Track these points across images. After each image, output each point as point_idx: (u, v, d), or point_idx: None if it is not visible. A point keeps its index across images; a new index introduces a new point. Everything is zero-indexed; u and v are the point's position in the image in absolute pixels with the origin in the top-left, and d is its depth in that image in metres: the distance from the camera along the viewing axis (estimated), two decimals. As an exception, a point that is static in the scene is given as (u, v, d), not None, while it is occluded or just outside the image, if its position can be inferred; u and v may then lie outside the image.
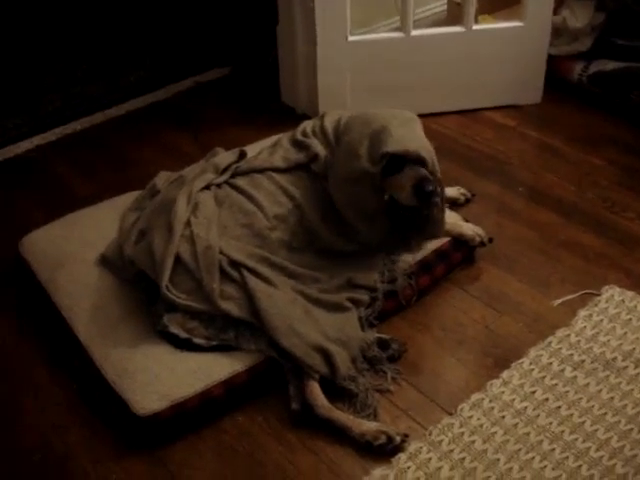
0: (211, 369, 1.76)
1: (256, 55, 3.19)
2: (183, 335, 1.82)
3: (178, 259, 1.86)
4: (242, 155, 2.16)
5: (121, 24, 3.00)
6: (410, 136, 1.88)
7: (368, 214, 1.92)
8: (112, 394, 1.74)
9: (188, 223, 1.92)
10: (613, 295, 2.04)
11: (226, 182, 2.05)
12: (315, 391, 1.74)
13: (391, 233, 1.96)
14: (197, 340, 1.82)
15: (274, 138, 2.28)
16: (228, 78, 3.30)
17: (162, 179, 2.26)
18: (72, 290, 1.99)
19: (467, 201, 2.40)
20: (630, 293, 2.04)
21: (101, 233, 2.15)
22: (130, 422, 1.69)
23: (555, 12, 2.84)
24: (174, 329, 1.82)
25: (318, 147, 2.04)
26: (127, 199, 2.29)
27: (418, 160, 1.84)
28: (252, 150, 2.25)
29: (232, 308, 1.81)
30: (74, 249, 2.12)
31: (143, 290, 1.95)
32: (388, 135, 1.85)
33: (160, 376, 1.74)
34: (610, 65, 2.83)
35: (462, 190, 2.40)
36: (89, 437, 1.74)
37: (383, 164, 1.84)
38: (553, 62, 2.92)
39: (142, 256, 1.93)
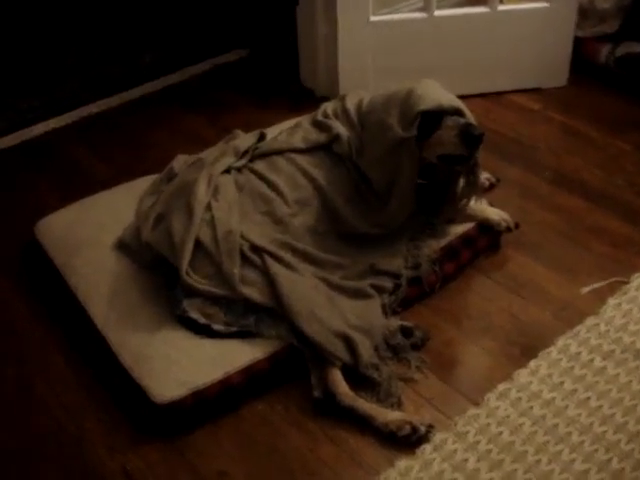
0: (231, 356, 1.72)
1: (275, 37, 3.13)
2: (202, 320, 1.78)
3: (198, 243, 1.82)
4: (262, 137, 2.11)
5: (137, 5, 2.95)
6: (439, 92, 1.88)
7: (404, 187, 1.88)
8: (129, 380, 1.70)
9: (209, 206, 1.87)
10: (643, 283, 1.99)
11: (246, 166, 2.01)
12: (337, 379, 1.69)
13: (418, 209, 1.96)
14: (216, 326, 1.78)
15: (294, 121, 2.24)
16: (246, 60, 3.23)
17: (180, 162, 2.21)
18: (89, 275, 1.95)
19: (492, 186, 2.34)
20: (661, 281, 1.99)
21: (118, 217, 2.11)
22: (148, 409, 1.66)
23: (582, -8, 2.76)
24: (193, 314, 1.78)
25: (340, 128, 2.00)
26: (144, 183, 2.25)
27: (455, 112, 1.84)
28: (272, 133, 2.20)
29: (253, 293, 1.77)
30: (90, 233, 2.08)
31: (161, 274, 1.91)
32: (417, 97, 1.85)
33: (179, 363, 1.71)
34: (638, 47, 2.75)
35: (487, 175, 2.34)
36: (105, 423, 1.71)
37: (417, 126, 1.82)
38: (579, 44, 2.84)
39: (161, 240, 1.88)
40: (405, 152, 1.86)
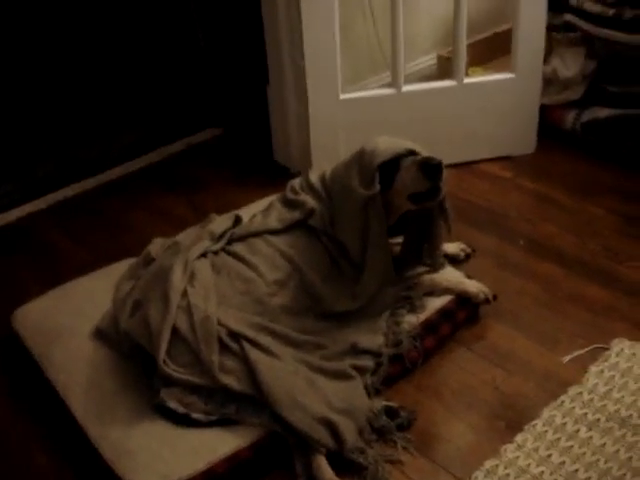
0: (214, 446, 1.69)
1: (248, 115, 3.18)
2: (181, 410, 1.75)
3: (175, 331, 1.81)
4: (237, 220, 2.12)
5: (111, 88, 2.99)
6: (390, 141, 1.95)
7: (376, 246, 1.92)
8: (111, 475, 1.66)
9: (185, 293, 1.86)
10: (623, 349, 1.99)
11: (223, 249, 2.01)
12: (322, 466, 1.66)
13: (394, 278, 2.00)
14: (195, 415, 1.74)
15: (267, 201, 2.26)
16: (220, 139, 3.28)
17: (156, 246, 2.21)
18: (67, 365, 1.93)
19: (467, 257, 2.36)
20: (640, 346, 2.00)
21: (96, 303, 2.09)
22: (131, 506, 1.62)
23: (545, 61, 2.84)
24: (172, 404, 1.75)
25: (311, 202, 2.03)
26: (122, 267, 2.24)
27: (410, 153, 1.90)
28: (247, 213, 2.22)
29: (232, 382, 1.75)
30: (68, 322, 2.06)
31: (139, 363, 1.89)
32: (369, 154, 1.93)
33: (161, 455, 1.67)
34: (604, 112, 2.82)
35: (462, 246, 2.36)
36: (87, 523, 1.67)
37: (378, 180, 1.88)
38: (545, 111, 2.91)
39: (138, 328, 1.87)
40: (371, 210, 1.91)
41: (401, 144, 1.94)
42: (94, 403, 1.82)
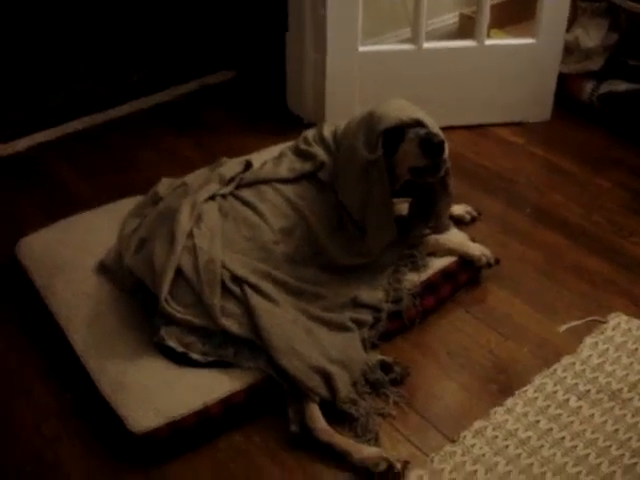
0: (210, 386, 1.72)
1: (263, 60, 3.14)
2: (180, 349, 1.77)
3: (179, 271, 1.82)
4: (248, 166, 2.12)
5: (126, 22, 2.95)
6: (400, 108, 1.90)
7: (378, 211, 1.91)
8: (107, 409, 1.69)
9: (191, 234, 1.87)
10: (620, 323, 2.01)
11: (231, 193, 2.01)
12: (315, 414, 1.69)
13: (401, 238, 1.99)
14: (194, 355, 1.77)
15: (279, 149, 2.25)
16: (233, 82, 3.25)
17: (164, 186, 2.21)
18: (69, 298, 1.95)
19: (473, 220, 2.36)
20: (637, 322, 2.01)
21: (100, 239, 2.11)
22: (125, 439, 1.65)
23: (568, 29, 2.80)
24: (171, 342, 1.78)
25: (323, 155, 2.02)
26: (127, 204, 2.25)
27: (416, 124, 1.86)
28: (257, 159, 2.21)
29: (232, 325, 1.77)
30: (72, 255, 2.07)
31: (141, 301, 1.91)
32: (377, 117, 1.88)
33: (157, 392, 1.70)
34: (622, 86, 2.79)
35: (468, 208, 2.36)
36: (82, 451, 1.70)
37: (382, 146, 1.85)
38: (563, 80, 2.88)
39: (142, 266, 1.88)
40: (373, 174, 1.88)
41: (410, 112, 1.88)
42: (95, 337, 1.84)
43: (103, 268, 2.02)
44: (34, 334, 1.99)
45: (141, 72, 3.08)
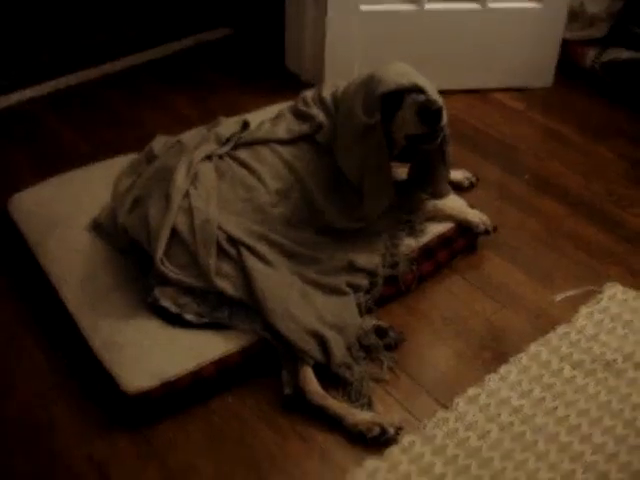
0: (204, 348, 1.71)
1: (261, 17, 3.08)
2: (174, 310, 1.76)
3: (174, 231, 1.80)
4: (245, 125, 2.08)
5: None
6: (400, 72, 1.84)
7: (375, 176, 1.87)
8: (99, 368, 1.68)
9: (187, 194, 1.85)
10: (616, 293, 2.00)
11: (228, 153, 1.98)
12: (309, 377, 1.69)
13: (399, 202, 1.96)
14: (188, 316, 1.76)
15: (276, 108, 2.22)
16: (230, 39, 3.19)
17: (159, 143, 2.17)
18: (62, 256, 1.92)
19: (471, 185, 2.34)
20: (633, 292, 2.00)
21: (94, 196, 2.08)
22: (117, 398, 1.64)
23: (573, -5, 2.76)
24: (165, 303, 1.76)
25: (321, 116, 1.98)
26: (122, 161, 2.21)
27: (415, 89, 1.80)
28: (255, 118, 2.17)
29: (227, 286, 1.75)
30: (65, 212, 2.04)
31: (135, 260, 1.89)
32: (376, 81, 1.83)
33: (151, 352, 1.69)
34: (625, 54, 2.76)
35: (467, 174, 2.34)
36: (74, 410, 1.69)
37: (380, 110, 1.80)
38: (566, 46, 2.84)
39: (136, 225, 1.86)
40: (371, 139, 1.84)
41: (410, 77, 1.82)
42: (88, 295, 1.82)
43: (97, 226, 1.99)
44: (25, 291, 1.97)
45: (137, 28, 3.01)
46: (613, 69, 2.78)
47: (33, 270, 1.95)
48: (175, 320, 1.76)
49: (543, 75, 2.84)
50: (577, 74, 2.89)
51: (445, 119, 1.81)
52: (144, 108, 2.74)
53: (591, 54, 2.84)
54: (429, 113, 1.76)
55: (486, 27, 2.70)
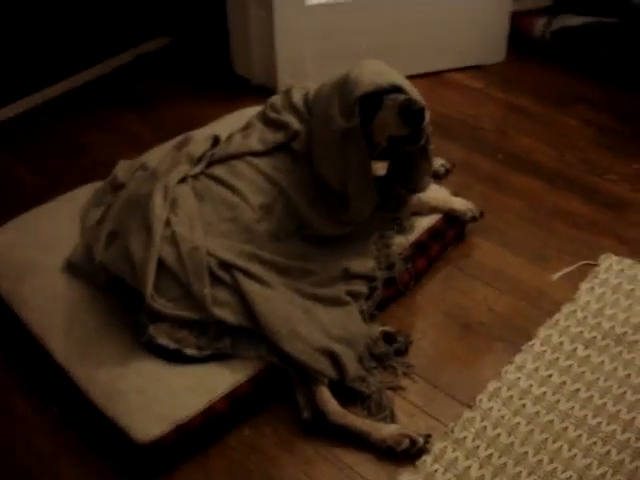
0: (211, 383, 1.61)
1: (201, 22, 2.96)
2: (173, 346, 1.65)
3: (161, 263, 1.68)
4: (216, 141, 1.98)
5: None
6: (376, 71, 1.75)
7: (358, 180, 1.78)
8: (103, 420, 1.57)
9: (168, 222, 1.73)
10: (611, 264, 1.98)
11: (203, 173, 1.87)
12: (325, 397, 1.61)
13: (382, 200, 1.87)
14: (188, 351, 1.65)
15: (238, 117, 2.12)
16: (170, 48, 3.06)
17: (123, 169, 2.06)
18: (40, 302, 1.79)
19: (447, 172, 2.29)
20: (628, 261, 1.99)
21: (62, 234, 1.95)
22: (128, 450, 1.53)
23: (516, -36, 2.73)
24: (162, 340, 1.65)
25: (296, 124, 1.88)
26: (84, 192, 2.09)
27: (394, 89, 1.72)
28: (223, 130, 2.05)
29: (226, 314, 1.65)
30: (34, 255, 1.90)
31: (118, 298, 1.77)
32: (352, 82, 1.73)
33: (156, 395, 1.58)
34: (575, 20, 2.75)
35: (442, 161, 2.28)
36: (81, 468, 1.58)
37: (358, 112, 1.71)
38: (515, 18, 2.82)
39: (117, 261, 1.73)
40: (351, 143, 1.75)
41: (388, 77, 1.74)
42: (76, 342, 1.70)
43: (71, 266, 1.87)
44: (4, 347, 1.84)
45: (73, 48, 2.84)
46: (564, 36, 2.77)
47: (11, 324, 1.81)
48: (175, 357, 1.65)
49: (496, 50, 2.81)
50: (528, 45, 2.88)
51: (427, 118, 1.73)
52: (92, 131, 2.61)
53: (540, 24, 2.83)
54: (411, 113, 1.68)
55: (433, 8, 2.65)
